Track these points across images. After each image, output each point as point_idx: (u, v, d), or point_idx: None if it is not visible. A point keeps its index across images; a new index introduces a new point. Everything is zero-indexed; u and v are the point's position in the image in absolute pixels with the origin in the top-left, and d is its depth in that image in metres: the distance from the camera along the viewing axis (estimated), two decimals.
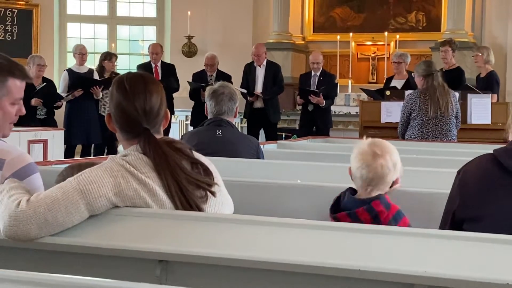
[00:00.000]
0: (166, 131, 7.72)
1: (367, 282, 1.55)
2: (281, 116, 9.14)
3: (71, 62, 10.06)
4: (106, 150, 8.62)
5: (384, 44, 11.21)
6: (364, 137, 2.56)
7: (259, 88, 8.59)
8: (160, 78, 8.48)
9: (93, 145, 8.72)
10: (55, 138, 7.01)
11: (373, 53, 11.64)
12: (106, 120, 2.13)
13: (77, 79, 8.33)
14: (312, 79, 8.68)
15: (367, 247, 1.65)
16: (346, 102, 10.85)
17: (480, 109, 7.15)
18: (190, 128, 8.95)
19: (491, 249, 1.59)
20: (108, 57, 8.91)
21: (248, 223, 1.82)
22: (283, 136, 8.94)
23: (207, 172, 2.07)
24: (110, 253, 1.78)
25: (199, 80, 8.67)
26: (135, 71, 7.78)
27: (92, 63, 10.79)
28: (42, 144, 6.74)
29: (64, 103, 8.36)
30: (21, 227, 1.81)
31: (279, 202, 2.78)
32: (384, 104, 7.40)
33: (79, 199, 1.85)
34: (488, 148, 2.56)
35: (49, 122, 8.03)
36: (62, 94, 8.29)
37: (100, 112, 8.56)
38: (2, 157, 2.16)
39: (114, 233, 1.84)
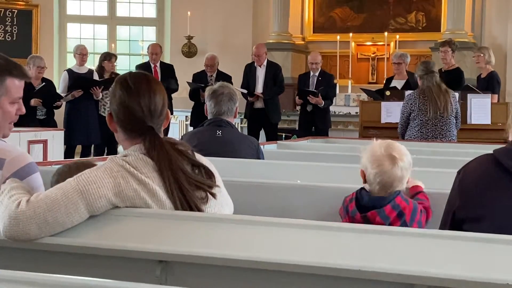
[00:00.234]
0: (166, 131, 7.73)
1: (367, 282, 1.55)
2: (281, 116, 9.14)
3: (71, 62, 10.07)
4: (106, 151, 8.61)
5: (384, 44, 11.22)
6: (374, 139, 2.54)
7: (259, 89, 8.59)
8: (159, 79, 8.48)
9: (93, 145, 8.72)
10: (55, 139, 7.01)
11: (373, 54, 11.65)
12: (108, 119, 2.13)
13: (77, 80, 8.33)
14: (311, 79, 8.68)
15: (367, 247, 1.65)
16: (346, 103, 10.85)
17: (480, 109, 7.16)
18: (190, 129, 8.96)
19: (491, 249, 1.59)
20: (108, 57, 8.91)
21: (248, 223, 1.82)
22: (283, 136, 8.95)
23: (209, 174, 2.08)
24: (110, 253, 1.78)
25: (199, 80, 8.67)
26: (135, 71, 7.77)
27: (92, 63, 10.79)
28: (42, 145, 6.74)
29: (64, 103, 8.36)
30: (21, 227, 1.81)
31: (279, 203, 2.78)
32: (384, 105, 7.40)
33: (79, 200, 1.85)
34: (488, 148, 2.56)
35: (49, 123, 8.03)
36: (61, 94, 8.29)
37: (100, 113, 8.56)
38: (2, 157, 2.16)
39: (114, 233, 1.83)
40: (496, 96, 7.64)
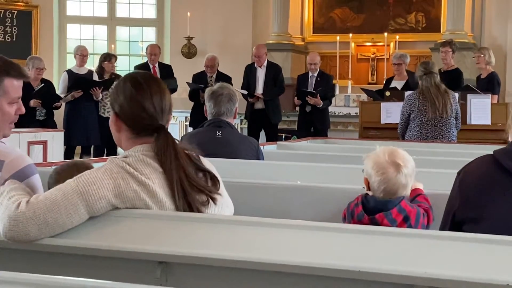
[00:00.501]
0: None
1: (367, 283, 1.55)
2: (281, 117, 9.15)
3: (71, 63, 10.07)
4: (105, 152, 8.61)
5: (383, 45, 11.22)
6: (377, 146, 2.52)
7: (259, 89, 8.59)
8: None
9: (92, 146, 8.72)
10: (55, 139, 7.01)
11: (373, 54, 11.65)
12: (113, 118, 2.10)
13: (76, 80, 8.33)
14: (309, 80, 8.69)
15: (367, 248, 1.65)
16: (346, 103, 10.85)
17: (480, 110, 7.16)
18: (190, 129, 8.96)
19: (491, 250, 1.59)
20: (108, 58, 8.91)
21: (248, 224, 1.82)
22: (283, 137, 8.95)
23: (214, 180, 2.08)
24: (110, 254, 1.78)
25: (199, 81, 8.67)
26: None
27: (91, 64, 10.80)
28: (41, 146, 6.74)
29: (64, 104, 8.36)
30: (20, 228, 1.81)
31: (279, 203, 2.78)
32: (384, 105, 7.40)
33: (79, 201, 1.85)
34: (488, 149, 2.56)
35: (48, 123, 8.03)
36: (61, 95, 8.29)
37: (100, 114, 8.56)
38: (1, 159, 2.16)
39: (114, 234, 1.83)
40: (496, 96, 7.65)
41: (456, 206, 2.11)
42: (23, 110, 2.37)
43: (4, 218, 1.82)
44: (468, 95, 7.19)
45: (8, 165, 2.15)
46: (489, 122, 7.13)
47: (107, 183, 1.89)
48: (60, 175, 2.33)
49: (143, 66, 8.96)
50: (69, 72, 8.58)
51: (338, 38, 11.19)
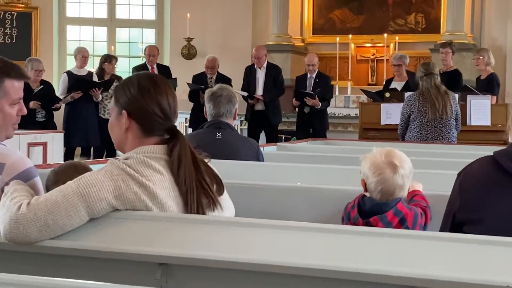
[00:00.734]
0: None
1: (368, 285, 1.55)
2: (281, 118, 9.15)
3: (71, 64, 10.07)
4: (105, 153, 8.61)
5: (383, 46, 11.22)
6: (374, 148, 2.52)
7: (259, 91, 8.60)
8: None
9: (92, 147, 8.72)
10: (55, 141, 7.01)
11: (373, 55, 11.64)
12: (120, 117, 2.07)
13: (76, 81, 8.33)
14: (308, 81, 8.70)
15: (367, 250, 1.65)
16: (346, 104, 10.85)
17: (479, 111, 7.16)
18: (189, 130, 8.97)
19: (492, 251, 1.58)
20: (109, 59, 8.92)
21: (248, 226, 1.82)
22: (283, 138, 8.96)
23: (219, 185, 2.09)
24: (110, 256, 1.78)
25: (199, 82, 8.68)
26: (135, 73, 7.77)
27: (91, 65, 10.79)
28: (41, 147, 6.74)
29: (64, 105, 8.36)
30: (21, 230, 1.80)
31: (279, 205, 2.78)
32: (383, 106, 7.41)
33: (79, 202, 1.85)
34: (488, 150, 2.56)
35: (48, 125, 8.03)
36: (60, 96, 8.30)
37: (99, 115, 8.57)
38: (2, 161, 2.16)
39: (114, 236, 1.83)
40: (495, 97, 7.65)
41: (456, 207, 2.11)
42: (25, 111, 2.37)
43: (5, 220, 1.82)
44: (468, 96, 7.20)
45: (9, 167, 2.15)
46: (489, 123, 7.13)
47: (108, 185, 1.89)
48: (58, 176, 2.33)
49: (142, 67, 8.96)
50: (69, 73, 8.58)
51: (338, 39, 11.19)
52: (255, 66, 8.68)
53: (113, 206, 1.89)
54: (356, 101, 10.47)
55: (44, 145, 6.79)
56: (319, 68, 8.96)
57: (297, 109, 8.86)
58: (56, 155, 6.91)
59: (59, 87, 8.68)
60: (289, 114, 9.87)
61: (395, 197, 2.45)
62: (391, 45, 11.33)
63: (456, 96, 6.53)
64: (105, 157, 8.12)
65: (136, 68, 9.15)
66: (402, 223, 2.40)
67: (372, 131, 7.39)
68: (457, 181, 2.16)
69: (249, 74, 8.71)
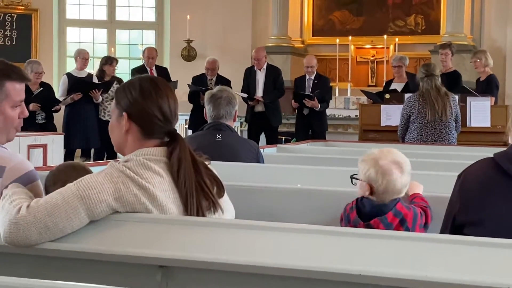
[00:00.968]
0: None
1: (368, 287, 1.55)
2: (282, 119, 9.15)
3: (71, 66, 10.07)
4: (106, 155, 8.61)
5: (383, 47, 11.22)
6: (377, 150, 2.49)
7: (259, 92, 8.60)
8: None
9: (92, 149, 8.71)
10: (55, 143, 7.01)
11: (372, 56, 11.65)
12: (120, 119, 2.08)
13: (76, 83, 8.34)
14: (306, 82, 8.70)
15: (367, 252, 1.65)
16: (346, 106, 10.86)
17: (479, 112, 7.16)
18: (189, 132, 8.97)
19: (492, 253, 1.58)
20: (109, 61, 8.92)
21: (248, 228, 1.82)
22: (283, 139, 8.96)
23: (219, 187, 2.09)
24: (111, 258, 1.78)
25: (199, 83, 8.69)
26: (137, 75, 7.77)
27: (91, 67, 10.80)
28: (41, 149, 6.74)
29: (63, 107, 8.36)
30: (21, 233, 1.80)
31: (279, 207, 2.77)
32: (383, 108, 7.41)
33: (79, 205, 1.85)
34: (488, 151, 2.56)
35: (48, 127, 8.03)
36: (60, 98, 8.30)
37: (100, 117, 8.57)
38: (2, 164, 2.16)
39: (114, 238, 1.83)
40: (493, 99, 7.64)
41: (456, 209, 2.11)
42: (27, 114, 2.36)
43: (5, 223, 1.82)
44: (468, 97, 7.20)
45: (9, 171, 2.15)
46: (489, 125, 7.13)
47: (107, 187, 1.89)
48: (57, 177, 2.33)
49: (141, 69, 8.96)
50: (69, 75, 8.59)
51: (337, 40, 11.19)
52: (255, 68, 8.69)
53: (113, 209, 1.89)
54: (356, 102, 10.47)
55: (44, 147, 6.78)
56: (318, 69, 8.96)
57: (296, 111, 8.87)
58: (56, 157, 6.90)
59: (59, 89, 8.68)
60: (289, 116, 9.87)
61: (398, 197, 2.44)
62: (391, 47, 11.33)
63: (456, 97, 6.53)
64: (106, 159, 8.12)
65: (135, 70, 9.14)
66: (402, 224, 2.40)
67: (372, 132, 7.39)
68: (457, 183, 2.16)
69: (249, 75, 8.71)
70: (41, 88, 8.00)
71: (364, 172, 2.46)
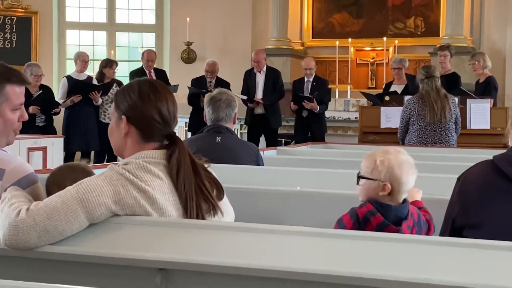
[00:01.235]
0: None
1: None
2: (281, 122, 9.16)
3: (70, 69, 10.07)
4: (106, 158, 8.61)
5: (383, 50, 11.23)
6: (389, 149, 2.41)
7: (259, 94, 8.61)
8: None
9: (92, 152, 8.71)
10: (55, 146, 7.01)
11: (372, 59, 11.65)
12: (119, 122, 2.08)
13: (75, 85, 8.34)
14: (305, 85, 8.71)
15: (367, 254, 1.65)
16: (346, 108, 10.86)
17: (479, 114, 7.17)
18: (189, 134, 8.97)
19: (492, 255, 1.58)
20: (109, 64, 8.92)
21: (248, 230, 1.82)
22: (283, 142, 8.96)
23: (219, 190, 2.09)
24: (110, 261, 1.78)
25: (198, 85, 8.70)
26: (136, 79, 7.78)
27: (91, 70, 10.80)
28: (41, 152, 6.74)
29: (63, 109, 8.36)
30: (20, 236, 1.80)
31: (279, 209, 2.78)
32: (383, 110, 7.41)
33: (79, 208, 1.85)
34: (488, 153, 2.56)
35: (48, 129, 8.03)
36: (60, 101, 8.30)
37: (100, 119, 8.57)
38: (2, 167, 2.16)
39: (114, 241, 1.83)
40: (492, 101, 7.64)
41: (456, 212, 2.11)
42: (26, 117, 2.36)
43: (5, 226, 1.82)
44: (467, 99, 7.21)
45: (9, 173, 2.15)
46: (488, 127, 7.14)
47: (107, 190, 1.89)
48: (55, 177, 2.33)
49: (140, 72, 8.96)
50: (69, 77, 8.59)
51: (337, 43, 11.20)
52: (255, 70, 8.69)
53: (113, 211, 1.89)
54: (356, 104, 10.47)
55: (44, 149, 6.78)
56: (318, 72, 8.97)
57: (295, 113, 8.87)
58: (56, 159, 6.90)
59: (58, 91, 8.69)
60: (289, 118, 9.89)
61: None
62: (391, 49, 11.34)
63: (456, 99, 6.54)
64: (106, 162, 8.12)
65: (134, 73, 9.15)
66: (418, 223, 2.36)
67: (372, 134, 7.40)
68: (457, 185, 2.16)
69: (249, 78, 8.72)
70: (41, 91, 8.00)
71: (383, 171, 2.36)
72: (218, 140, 3.83)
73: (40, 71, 8.04)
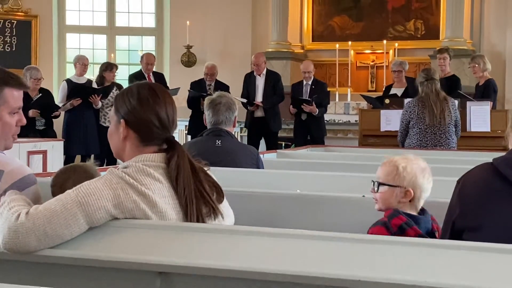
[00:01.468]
0: None
1: None
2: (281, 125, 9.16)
3: (70, 72, 10.08)
4: (106, 161, 8.61)
5: (383, 52, 11.23)
6: (409, 156, 2.43)
7: (259, 98, 8.62)
8: None
9: (92, 155, 8.71)
10: (55, 149, 7.01)
11: (372, 62, 11.66)
12: (118, 126, 2.08)
13: (75, 88, 8.34)
14: (304, 88, 8.72)
15: (366, 257, 1.65)
16: (346, 111, 10.86)
17: (479, 117, 7.17)
18: (189, 138, 8.98)
19: (491, 258, 1.58)
20: (109, 67, 8.93)
21: (248, 234, 1.82)
22: (283, 145, 8.96)
23: (219, 193, 2.09)
24: (110, 265, 1.78)
25: (198, 88, 8.72)
26: (136, 83, 7.77)
27: (91, 73, 10.80)
28: (41, 155, 6.74)
29: (63, 113, 8.36)
30: (20, 239, 1.80)
31: (279, 212, 2.77)
32: (383, 113, 7.41)
33: (78, 211, 1.84)
34: (488, 156, 2.56)
35: (48, 133, 8.04)
36: (59, 104, 8.30)
37: (100, 123, 8.57)
38: (0, 168, 2.16)
39: (113, 245, 1.83)
40: (491, 103, 7.65)
41: (455, 215, 2.11)
42: (24, 121, 2.37)
43: (4, 229, 1.82)
44: (467, 102, 7.21)
45: (8, 174, 2.16)
46: (488, 129, 7.14)
47: (107, 194, 1.89)
48: (58, 178, 2.34)
49: (138, 75, 8.96)
50: (68, 81, 8.60)
51: (337, 46, 11.20)
52: (255, 73, 8.70)
53: (112, 215, 1.89)
54: (356, 107, 10.47)
55: (44, 153, 6.79)
56: (318, 75, 8.98)
57: (294, 117, 8.88)
58: (56, 163, 6.90)
59: (58, 95, 8.69)
60: (289, 121, 9.90)
61: None
62: (391, 52, 11.35)
63: (456, 102, 6.54)
64: (106, 165, 8.12)
65: (133, 76, 9.15)
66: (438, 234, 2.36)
67: (372, 137, 7.40)
68: (457, 188, 2.16)
69: (249, 81, 8.73)
70: (40, 94, 8.01)
71: (407, 177, 2.35)
72: (218, 143, 3.83)
73: (40, 75, 8.04)
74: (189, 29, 11.72)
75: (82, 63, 8.57)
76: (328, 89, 9.21)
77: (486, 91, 7.70)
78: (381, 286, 1.53)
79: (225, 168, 3.52)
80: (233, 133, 4.02)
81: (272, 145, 8.32)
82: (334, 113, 10.53)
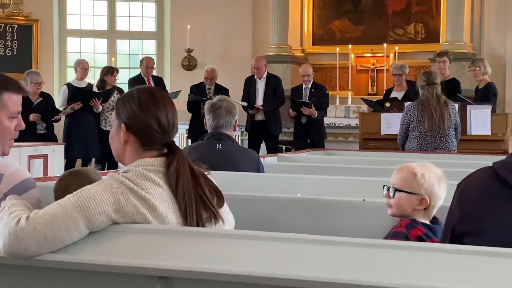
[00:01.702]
0: None
1: None
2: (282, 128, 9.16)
3: (71, 76, 10.09)
4: (107, 165, 8.61)
5: (383, 56, 11.24)
6: (427, 163, 2.41)
7: (259, 101, 8.63)
8: None
9: (93, 159, 8.72)
10: (56, 153, 7.01)
11: (373, 65, 11.66)
12: (119, 130, 2.09)
13: (75, 92, 8.35)
14: (303, 91, 8.73)
15: (366, 261, 1.64)
16: (346, 114, 10.87)
17: (479, 120, 7.17)
18: (189, 142, 8.99)
19: (492, 262, 1.58)
20: (110, 71, 8.94)
21: (248, 238, 1.82)
22: (284, 148, 8.96)
23: (219, 197, 2.09)
24: (110, 269, 1.78)
25: (197, 92, 8.73)
26: (136, 87, 7.78)
27: (92, 77, 10.81)
28: (42, 159, 6.74)
29: (64, 117, 8.37)
30: (20, 244, 1.80)
31: (279, 216, 2.77)
32: (384, 116, 7.42)
33: (78, 216, 1.85)
34: (488, 159, 2.55)
35: (49, 137, 8.04)
36: (60, 108, 8.31)
37: (101, 127, 8.57)
38: (0, 172, 2.17)
39: (113, 249, 1.83)
40: (491, 107, 7.65)
41: (456, 219, 2.10)
42: (23, 126, 2.37)
43: (4, 234, 1.82)
44: (467, 105, 7.21)
45: (7, 178, 2.16)
46: (489, 133, 7.14)
47: (107, 198, 1.89)
48: (61, 183, 2.35)
49: (138, 79, 8.97)
50: (69, 85, 8.61)
51: (337, 49, 11.21)
52: (255, 77, 8.71)
53: (113, 220, 1.89)
54: (357, 111, 10.48)
55: (45, 157, 6.79)
56: (319, 78, 8.99)
57: (294, 120, 8.88)
58: (57, 167, 6.91)
59: (59, 99, 8.70)
60: (289, 125, 9.90)
61: None
62: (391, 55, 11.35)
63: (456, 105, 6.54)
64: (107, 169, 8.12)
65: (132, 80, 9.16)
66: None
67: (373, 141, 7.40)
68: (457, 192, 2.16)
69: (249, 84, 8.74)
70: (41, 99, 8.01)
71: (425, 185, 2.34)
72: (219, 147, 3.83)
73: (40, 79, 8.05)
74: (189, 33, 11.74)
75: (82, 67, 8.58)
76: (329, 93, 9.21)
77: (486, 94, 7.70)
78: None
79: (226, 172, 3.52)
80: (234, 137, 4.02)
81: (273, 149, 8.32)
82: (334, 117, 10.54)
